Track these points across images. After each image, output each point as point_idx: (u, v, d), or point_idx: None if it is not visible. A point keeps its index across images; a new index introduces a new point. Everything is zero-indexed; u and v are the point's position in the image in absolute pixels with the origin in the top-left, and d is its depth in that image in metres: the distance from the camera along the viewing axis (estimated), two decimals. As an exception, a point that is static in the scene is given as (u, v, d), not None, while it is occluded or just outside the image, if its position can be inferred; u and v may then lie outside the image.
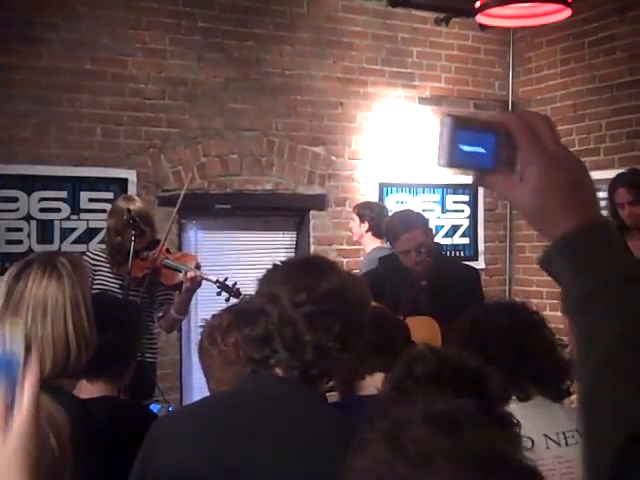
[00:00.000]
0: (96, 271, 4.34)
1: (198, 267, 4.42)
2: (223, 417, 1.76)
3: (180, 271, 4.33)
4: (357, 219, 5.46)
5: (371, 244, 5.37)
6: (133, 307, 3.49)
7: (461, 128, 1.01)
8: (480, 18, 4.84)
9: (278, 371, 1.76)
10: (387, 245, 5.28)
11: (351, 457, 0.75)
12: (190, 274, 4.25)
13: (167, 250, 4.53)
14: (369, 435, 0.73)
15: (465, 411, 0.72)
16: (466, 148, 1.02)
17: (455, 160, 1.02)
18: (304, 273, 1.80)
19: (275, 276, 1.81)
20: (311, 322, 1.72)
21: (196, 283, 4.29)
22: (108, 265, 4.36)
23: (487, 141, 1.02)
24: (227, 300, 4.22)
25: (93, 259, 4.37)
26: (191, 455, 1.70)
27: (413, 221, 4.19)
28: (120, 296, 4.07)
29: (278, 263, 1.87)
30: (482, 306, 2.49)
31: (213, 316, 2.41)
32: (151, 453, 1.76)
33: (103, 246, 4.52)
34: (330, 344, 1.73)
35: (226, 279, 4.37)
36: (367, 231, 5.40)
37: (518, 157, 1.00)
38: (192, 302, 4.57)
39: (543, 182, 0.98)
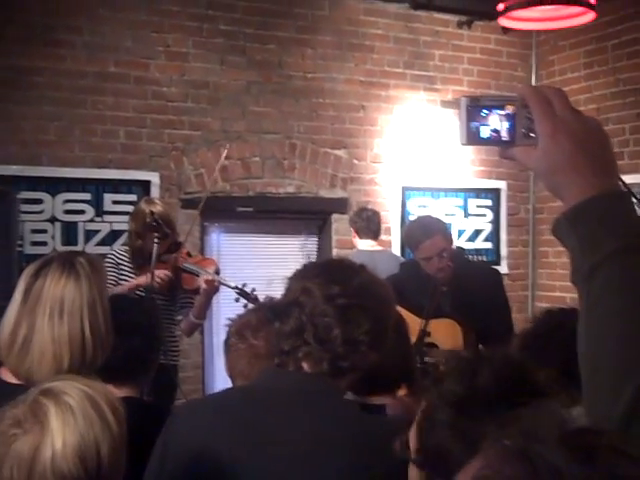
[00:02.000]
0: (120, 270, 4.35)
1: (217, 272, 4.37)
2: (245, 411, 1.75)
3: (198, 275, 4.29)
4: (353, 232, 5.53)
5: (360, 246, 5.42)
6: (154, 309, 3.50)
7: (477, 107, 1.06)
8: (503, 21, 4.82)
9: (304, 365, 1.75)
10: (367, 248, 5.28)
11: (473, 462, 0.72)
12: (208, 278, 4.21)
13: (187, 253, 4.50)
14: (492, 442, 0.71)
15: (602, 435, 0.70)
16: (484, 125, 1.05)
17: (473, 138, 1.06)
18: (337, 269, 1.83)
19: (308, 272, 1.82)
20: (343, 315, 1.72)
21: (213, 288, 4.26)
22: (131, 266, 4.37)
23: (504, 116, 1.06)
24: (245, 306, 4.03)
25: (119, 258, 4.38)
26: (210, 445, 1.70)
27: (433, 227, 4.09)
28: (142, 298, 4.07)
29: (308, 263, 1.89)
30: (550, 309, 2.47)
31: (239, 315, 2.40)
32: (171, 439, 1.77)
33: (127, 247, 4.52)
34: (361, 338, 1.73)
35: (244, 285, 4.29)
36: (354, 237, 5.49)
37: (535, 126, 1.04)
38: (214, 305, 4.55)
39: (550, 144, 1.02)
